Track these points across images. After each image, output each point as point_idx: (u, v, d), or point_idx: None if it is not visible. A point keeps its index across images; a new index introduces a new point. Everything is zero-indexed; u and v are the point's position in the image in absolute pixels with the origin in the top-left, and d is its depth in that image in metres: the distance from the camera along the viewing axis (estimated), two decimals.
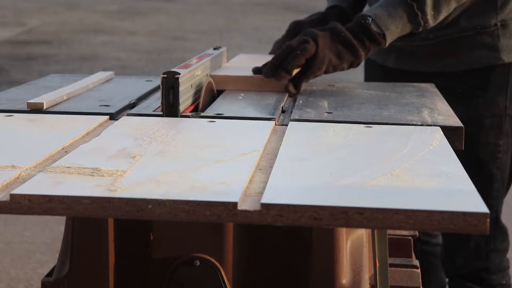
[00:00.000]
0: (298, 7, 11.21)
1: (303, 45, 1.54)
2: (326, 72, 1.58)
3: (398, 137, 1.21)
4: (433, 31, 1.76)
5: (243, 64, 1.79)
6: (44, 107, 1.39)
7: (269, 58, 1.62)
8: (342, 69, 1.60)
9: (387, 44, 1.61)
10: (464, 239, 1.91)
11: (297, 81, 1.58)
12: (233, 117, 1.34)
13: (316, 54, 1.54)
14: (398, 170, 1.00)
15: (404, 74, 1.87)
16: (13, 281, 2.92)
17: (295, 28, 1.81)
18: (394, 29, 1.60)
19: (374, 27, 1.59)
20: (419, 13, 1.59)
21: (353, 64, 1.60)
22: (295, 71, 1.57)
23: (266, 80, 1.58)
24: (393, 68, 1.91)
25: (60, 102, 1.47)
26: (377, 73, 1.98)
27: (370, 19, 1.59)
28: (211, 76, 1.60)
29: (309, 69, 1.55)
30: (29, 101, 1.40)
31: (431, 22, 1.62)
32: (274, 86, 1.58)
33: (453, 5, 1.64)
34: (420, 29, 1.63)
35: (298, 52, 1.54)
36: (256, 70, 1.63)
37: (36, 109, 1.38)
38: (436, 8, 1.62)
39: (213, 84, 1.60)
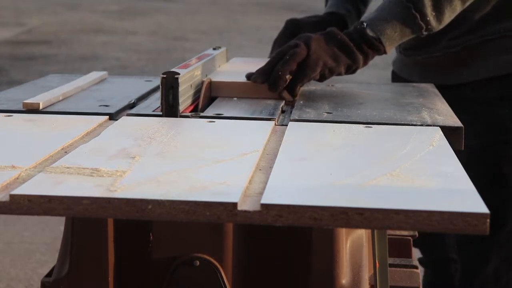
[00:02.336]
0: (298, 7, 11.21)
1: (293, 49, 1.48)
2: (322, 75, 1.50)
3: (398, 137, 1.21)
4: (455, 38, 1.70)
5: (237, 68, 1.72)
6: (40, 107, 1.39)
7: (263, 62, 1.55)
8: (340, 73, 1.52)
9: (388, 49, 1.53)
10: (482, 263, 1.79)
11: (291, 87, 1.49)
12: (232, 117, 1.34)
13: (309, 56, 1.47)
14: (398, 170, 1.00)
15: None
16: (13, 281, 2.92)
17: (292, 26, 1.75)
18: (391, 34, 1.51)
19: (369, 32, 1.52)
20: (418, 15, 1.50)
21: (350, 68, 1.52)
22: (289, 78, 1.49)
23: (261, 86, 1.50)
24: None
25: (57, 102, 1.46)
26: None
27: (365, 24, 1.52)
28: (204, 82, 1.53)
29: (302, 72, 1.48)
30: (25, 101, 1.39)
31: (435, 24, 1.52)
32: (269, 92, 1.50)
33: (458, 4, 1.54)
34: (424, 32, 1.53)
35: (288, 57, 1.47)
36: (250, 76, 1.54)
37: (33, 109, 1.38)
38: (437, 9, 1.52)
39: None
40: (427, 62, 1.79)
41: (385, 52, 1.53)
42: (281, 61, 1.47)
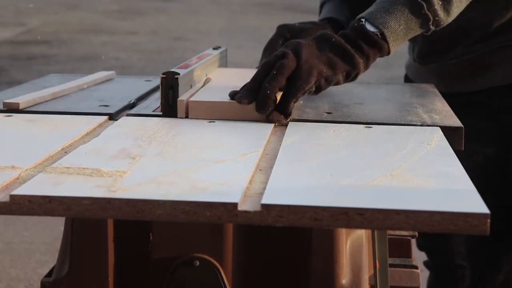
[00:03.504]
0: (298, 7, 11.21)
1: (280, 61, 1.27)
2: (318, 86, 1.30)
3: (398, 137, 1.21)
4: (470, 45, 1.63)
5: (220, 82, 1.53)
6: (20, 107, 1.38)
7: (251, 73, 1.33)
8: (338, 82, 1.32)
9: (392, 47, 1.34)
10: (493, 270, 1.75)
11: (283, 105, 1.27)
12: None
13: (299, 66, 1.27)
14: (398, 171, 1.00)
15: (448, 97, 1.65)
16: (13, 281, 2.92)
17: (284, 32, 1.60)
18: (396, 26, 1.32)
19: (370, 27, 1.32)
20: (424, 4, 1.32)
21: (350, 75, 1.32)
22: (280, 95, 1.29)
23: (248, 106, 1.28)
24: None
25: (57, 102, 1.46)
26: None
27: (364, 19, 1.33)
28: (179, 101, 1.33)
29: (294, 86, 1.26)
30: (5, 101, 1.39)
31: (443, 16, 1.35)
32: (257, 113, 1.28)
33: None
34: (432, 26, 1.35)
35: (275, 71, 1.26)
36: (234, 95, 1.31)
37: (13, 109, 1.38)
38: None
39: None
40: (443, 70, 1.72)
41: (388, 52, 1.34)
42: (268, 77, 1.27)
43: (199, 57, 1.60)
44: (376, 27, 1.32)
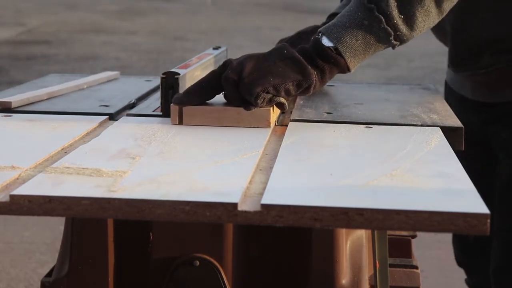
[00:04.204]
0: (298, 7, 11.22)
1: (224, 73, 1.26)
2: (268, 95, 1.24)
3: (398, 137, 1.21)
4: (497, 54, 1.58)
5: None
6: (12, 106, 1.38)
7: None
8: (288, 91, 1.24)
9: (351, 63, 1.26)
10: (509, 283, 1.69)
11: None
12: None
13: (241, 79, 1.23)
14: (398, 171, 1.00)
15: (481, 107, 1.65)
16: (13, 281, 2.92)
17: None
18: (352, 42, 1.24)
19: (325, 42, 1.25)
20: (382, 18, 1.24)
21: (301, 85, 1.24)
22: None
23: (245, 113, 1.26)
24: (471, 99, 1.69)
25: (58, 102, 1.46)
26: (455, 101, 1.72)
27: (321, 33, 1.27)
28: (172, 107, 1.29)
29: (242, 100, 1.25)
30: None
31: (405, 31, 1.26)
32: (253, 121, 1.26)
33: (431, 6, 1.26)
34: (394, 42, 1.26)
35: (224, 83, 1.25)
36: (178, 99, 1.28)
37: (6, 109, 1.38)
38: (405, 10, 1.25)
39: None
40: (475, 79, 1.66)
41: (348, 68, 1.27)
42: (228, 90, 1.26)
43: (199, 57, 1.60)
44: (331, 41, 1.25)
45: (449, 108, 1.44)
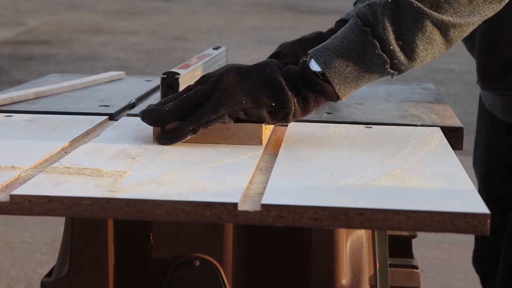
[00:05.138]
0: (298, 7, 11.21)
1: (197, 87, 1.16)
2: (236, 119, 1.13)
3: (398, 137, 1.21)
4: None
5: None
6: None
7: None
8: (262, 118, 1.12)
9: (341, 91, 1.12)
10: None
11: (175, 129, 1.12)
12: None
13: (215, 93, 1.12)
14: (398, 171, 1.00)
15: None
16: (13, 281, 2.92)
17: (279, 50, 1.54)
18: (341, 68, 1.11)
19: (313, 66, 1.12)
20: (377, 43, 1.10)
21: (278, 112, 1.12)
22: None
23: (235, 129, 1.14)
24: (502, 120, 1.60)
25: (54, 101, 1.46)
26: (486, 116, 1.66)
27: (309, 55, 1.14)
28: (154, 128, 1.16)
29: (199, 112, 1.11)
30: None
31: (404, 60, 1.11)
32: (243, 138, 1.15)
33: (435, 34, 1.11)
34: (389, 69, 1.12)
35: (184, 96, 1.14)
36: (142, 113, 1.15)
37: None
38: (403, 37, 1.10)
39: None
40: (505, 100, 1.57)
41: (337, 96, 1.13)
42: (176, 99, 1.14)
43: (199, 57, 1.60)
44: (319, 65, 1.12)
45: (449, 108, 1.44)
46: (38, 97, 1.51)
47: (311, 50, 1.15)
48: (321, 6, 11.04)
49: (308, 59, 1.14)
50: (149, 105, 1.17)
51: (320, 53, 1.13)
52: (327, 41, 1.14)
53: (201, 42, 8.07)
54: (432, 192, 0.92)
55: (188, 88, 1.17)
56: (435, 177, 0.98)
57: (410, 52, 1.11)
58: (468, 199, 0.90)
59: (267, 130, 1.18)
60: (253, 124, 1.13)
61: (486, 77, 1.57)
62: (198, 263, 1.20)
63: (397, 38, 1.10)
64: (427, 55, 1.12)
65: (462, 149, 1.26)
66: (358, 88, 1.15)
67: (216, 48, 1.76)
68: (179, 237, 1.21)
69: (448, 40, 1.13)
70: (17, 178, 0.97)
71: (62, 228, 1.30)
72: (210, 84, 1.14)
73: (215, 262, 1.20)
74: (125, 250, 1.23)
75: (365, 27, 1.11)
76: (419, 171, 1.01)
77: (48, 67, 6.78)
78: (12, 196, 0.89)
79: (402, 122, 1.31)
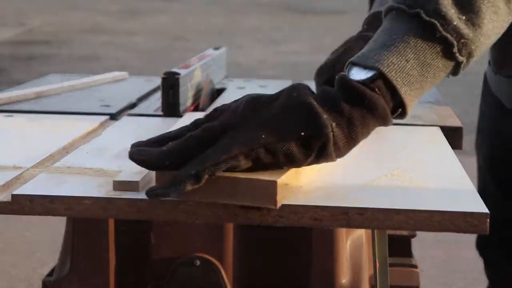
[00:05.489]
0: (298, 7, 11.21)
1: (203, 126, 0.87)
2: (255, 158, 0.84)
3: (398, 137, 1.21)
4: None
5: None
6: None
7: None
8: (289, 153, 0.85)
9: (408, 98, 0.88)
10: None
11: (176, 178, 0.82)
12: None
13: (225, 131, 0.85)
14: (398, 171, 1.01)
15: None
16: (13, 281, 2.92)
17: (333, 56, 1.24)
18: (401, 63, 0.86)
19: (355, 74, 0.87)
20: (436, 22, 0.86)
21: (310, 144, 0.85)
22: None
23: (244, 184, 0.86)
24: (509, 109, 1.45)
25: (54, 101, 1.47)
26: (492, 102, 1.51)
27: (350, 64, 0.89)
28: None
29: (205, 155, 0.83)
30: None
31: (473, 35, 0.88)
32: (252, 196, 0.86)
33: (501, 4, 0.90)
34: (458, 54, 0.88)
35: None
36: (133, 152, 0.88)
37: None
38: (466, 7, 0.88)
39: (214, 84, 1.60)
40: None
41: (402, 107, 0.89)
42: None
43: (199, 57, 1.60)
44: (369, 69, 0.87)
45: (449, 108, 1.44)
46: (39, 97, 1.51)
47: (352, 58, 0.89)
48: (321, 6, 11.04)
49: (347, 69, 0.89)
50: (140, 142, 0.90)
51: (365, 56, 0.88)
52: (368, 45, 0.90)
53: (201, 42, 8.06)
54: (432, 192, 0.93)
55: (196, 123, 0.90)
56: (435, 177, 0.99)
57: (477, 24, 0.88)
58: (467, 198, 0.90)
59: (285, 187, 0.88)
60: (264, 179, 0.85)
61: (502, 62, 1.42)
62: (198, 263, 1.20)
63: (459, 11, 0.88)
64: (493, 28, 0.91)
65: (462, 149, 1.26)
66: (424, 91, 0.91)
67: (216, 49, 1.77)
68: (179, 237, 1.21)
69: (510, 7, 0.92)
70: (19, 178, 0.97)
71: (63, 228, 1.31)
72: (222, 120, 0.87)
73: (215, 262, 1.20)
74: (125, 250, 1.23)
75: (414, 10, 0.88)
76: (419, 171, 1.01)
77: (48, 67, 6.78)
78: (13, 196, 0.89)
79: (402, 122, 1.31)
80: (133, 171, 0.92)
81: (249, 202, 0.86)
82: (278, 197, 0.85)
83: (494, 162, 1.06)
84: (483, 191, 1.53)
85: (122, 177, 0.91)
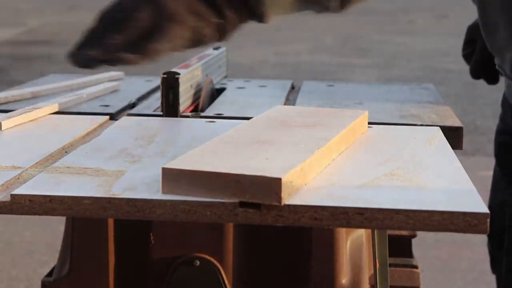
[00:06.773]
0: None
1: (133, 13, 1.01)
2: (192, 41, 1.00)
3: (398, 137, 1.21)
4: None
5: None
6: None
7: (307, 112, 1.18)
8: (205, 38, 0.99)
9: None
10: None
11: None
12: (233, 117, 1.34)
13: (160, 16, 1.00)
14: (398, 170, 1.00)
15: None
16: (13, 280, 2.92)
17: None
18: None
19: None
20: None
21: (222, 32, 0.99)
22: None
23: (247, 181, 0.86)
24: None
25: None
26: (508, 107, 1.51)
27: None
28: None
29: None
30: None
31: None
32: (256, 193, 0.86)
33: None
34: None
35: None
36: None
37: None
38: None
39: (213, 84, 1.60)
40: None
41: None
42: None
43: (199, 57, 1.60)
44: None
45: (449, 108, 1.44)
46: (38, 96, 1.51)
47: None
48: None
49: None
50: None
51: None
52: None
53: None
54: (431, 192, 0.93)
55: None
56: (435, 176, 0.99)
57: None
58: (467, 198, 0.90)
59: (291, 185, 0.88)
60: (270, 177, 0.85)
61: None
62: (198, 263, 1.20)
63: None
64: None
65: (461, 149, 1.26)
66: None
67: (216, 49, 1.77)
68: (179, 237, 1.21)
69: None
70: (18, 178, 0.97)
71: (62, 228, 1.30)
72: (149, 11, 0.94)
73: (215, 262, 1.20)
74: (125, 250, 1.23)
75: None
76: (419, 171, 1.01)
77: (48, 67, 6.78)
78: (13, 196, 0.89)
79: (402, 122, 1.31)
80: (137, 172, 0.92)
81: (253, 199, 0.86)
82: (283, 194, 0.85)
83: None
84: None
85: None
